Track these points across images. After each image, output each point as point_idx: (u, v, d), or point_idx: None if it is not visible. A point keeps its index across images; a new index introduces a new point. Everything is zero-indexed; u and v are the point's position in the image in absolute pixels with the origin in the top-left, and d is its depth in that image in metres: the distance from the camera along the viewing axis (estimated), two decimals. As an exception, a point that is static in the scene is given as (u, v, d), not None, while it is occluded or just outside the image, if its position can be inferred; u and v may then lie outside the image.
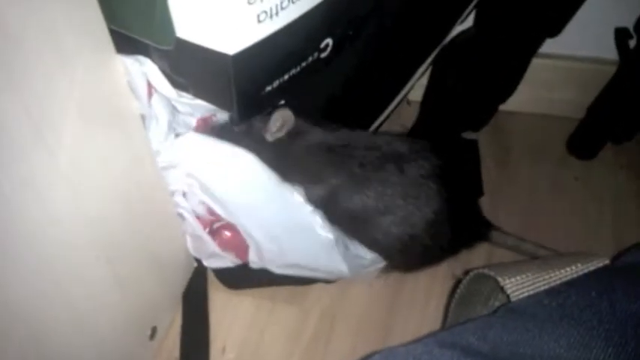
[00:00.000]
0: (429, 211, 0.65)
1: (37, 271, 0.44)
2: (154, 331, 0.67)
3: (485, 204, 0.75)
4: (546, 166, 0.91)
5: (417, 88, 0.84)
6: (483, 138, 0.89)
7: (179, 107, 0.59)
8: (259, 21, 0.48)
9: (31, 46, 0.39)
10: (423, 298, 0.75)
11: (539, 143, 0.95)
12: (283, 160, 0.64)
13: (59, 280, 0.47)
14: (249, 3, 0.46)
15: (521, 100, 0.88)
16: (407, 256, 0.69)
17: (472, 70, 0.81)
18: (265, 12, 0.48)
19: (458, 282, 0.58)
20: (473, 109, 0.87)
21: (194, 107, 0.60)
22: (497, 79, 0.82)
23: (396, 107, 0.80)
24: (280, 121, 0.63)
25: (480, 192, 0.73)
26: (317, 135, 0.66)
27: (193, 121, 0.64)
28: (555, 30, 0.76)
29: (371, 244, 0.68)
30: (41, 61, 0.40)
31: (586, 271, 0.50)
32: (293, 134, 0.65)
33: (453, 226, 0.67)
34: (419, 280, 0.76)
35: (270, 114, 0.62)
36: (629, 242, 0.56)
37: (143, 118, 0.57)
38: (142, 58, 0.55)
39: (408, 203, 0.65)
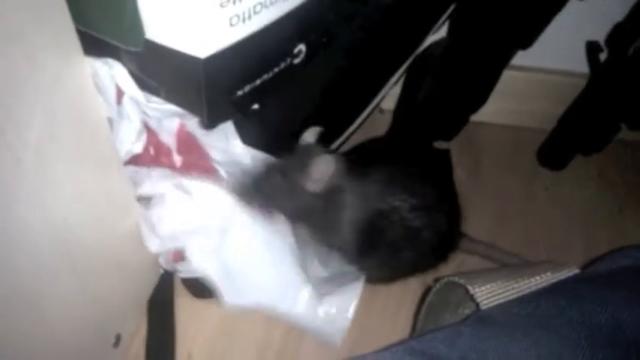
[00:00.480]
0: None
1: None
2: (118, 338, 0.66)
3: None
4: (517, 176, 0.92)
5: (390, 96, 0.84)
6: (454, 148, 0.90)
7: (148, 112, 0.58)
8: (231, 24, 0.48)
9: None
10: (394, 307, 0.75)
11: (510, 154, 0.96)
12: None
13: (20, 284, 0.46)
14: (222, 6, 0.46)
15: (492, 111, 0.89)
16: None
17: (444, 79, 0.81)
18: (237, 16, 0.48)
19: (428, 290, 0.58)
20: (445, 119, 0.87)
21: (163, 112, 0.59)
22: (469, 89, 0.83)
23: (368, 116, 0.80)
24: (322, 168, 0.60)
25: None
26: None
27: (175, 125, 0.63)
28: (527, 42, 0.77)
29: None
30: (6, 59, 0.39)
31: (556, 279, 0.50)
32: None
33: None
34: (389, 289, 0.75)
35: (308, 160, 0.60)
36: (599, 252, 0.57)
37: (110, 121, 0.56)
38: (110, 60, 0.53)
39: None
